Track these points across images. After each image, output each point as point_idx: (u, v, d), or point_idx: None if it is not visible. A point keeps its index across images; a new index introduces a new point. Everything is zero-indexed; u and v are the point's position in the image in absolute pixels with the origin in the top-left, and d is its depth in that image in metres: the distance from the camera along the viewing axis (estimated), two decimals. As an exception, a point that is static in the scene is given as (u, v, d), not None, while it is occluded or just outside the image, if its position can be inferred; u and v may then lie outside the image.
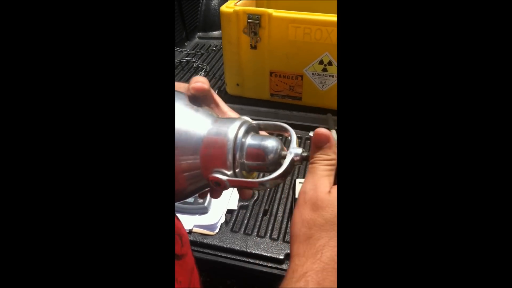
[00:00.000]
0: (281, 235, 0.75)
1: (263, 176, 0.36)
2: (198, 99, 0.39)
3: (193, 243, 0.74)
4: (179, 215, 0.77)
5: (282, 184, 0.85)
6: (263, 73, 1.08)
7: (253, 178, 0.38)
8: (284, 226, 0.77)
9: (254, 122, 0.40)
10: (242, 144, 0.36)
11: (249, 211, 0.80)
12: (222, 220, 0.78)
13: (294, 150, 0.36)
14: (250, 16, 0.98)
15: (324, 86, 1.05)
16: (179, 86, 0.40)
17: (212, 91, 0.42)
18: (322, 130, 0.36)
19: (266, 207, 0.80)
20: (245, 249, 0.72)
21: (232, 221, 0.78)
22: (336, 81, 1.03)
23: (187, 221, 0.76)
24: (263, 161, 0.37)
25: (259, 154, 0.36)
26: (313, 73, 1.03)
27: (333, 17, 0.93)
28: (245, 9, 0.99)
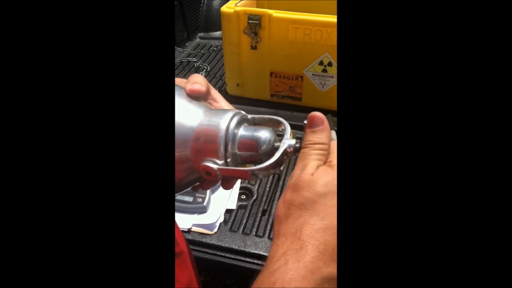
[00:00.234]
0: (280, 235, 0.75)
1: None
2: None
3: (192, 242, 0.74)
4: (178, 214, 0.77)
5: (281, 184, 0.85)
6: (263, 74, 1.08)
7: None
8: (282, 226, 0.77)
9: (249, 116, 0.39)
10: (235, 134, 0.36)
11: (248, 210, 0.80)
12: (221, 219, 0.78)
13: (288, 141, 0.36)
14: (251, 16, 0.98)
15: (324, 87, 1.05)
16: (175, 79, 0.40)
17: (211, 87, 0.41)
18: (317, 113, 0.35)
19: (265, 207, 0.81)
20: (243, 249, 0.72)
21: (231, 221, 0.78)
22: (336, 82, 1.03)
23: (186, 220, 0.76)
24: (256, 152, 0.36)
25: (252, 144, 0.36)
26: (313, 74, 1.03)
27: (333, 18, 0.93)
28: (245, 9, 0.99)
